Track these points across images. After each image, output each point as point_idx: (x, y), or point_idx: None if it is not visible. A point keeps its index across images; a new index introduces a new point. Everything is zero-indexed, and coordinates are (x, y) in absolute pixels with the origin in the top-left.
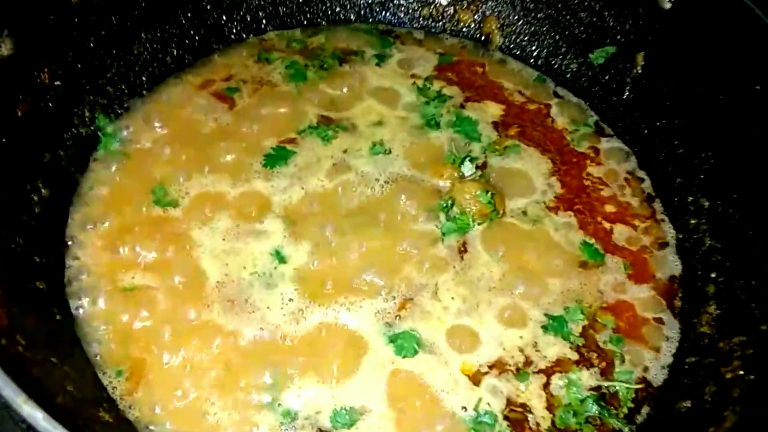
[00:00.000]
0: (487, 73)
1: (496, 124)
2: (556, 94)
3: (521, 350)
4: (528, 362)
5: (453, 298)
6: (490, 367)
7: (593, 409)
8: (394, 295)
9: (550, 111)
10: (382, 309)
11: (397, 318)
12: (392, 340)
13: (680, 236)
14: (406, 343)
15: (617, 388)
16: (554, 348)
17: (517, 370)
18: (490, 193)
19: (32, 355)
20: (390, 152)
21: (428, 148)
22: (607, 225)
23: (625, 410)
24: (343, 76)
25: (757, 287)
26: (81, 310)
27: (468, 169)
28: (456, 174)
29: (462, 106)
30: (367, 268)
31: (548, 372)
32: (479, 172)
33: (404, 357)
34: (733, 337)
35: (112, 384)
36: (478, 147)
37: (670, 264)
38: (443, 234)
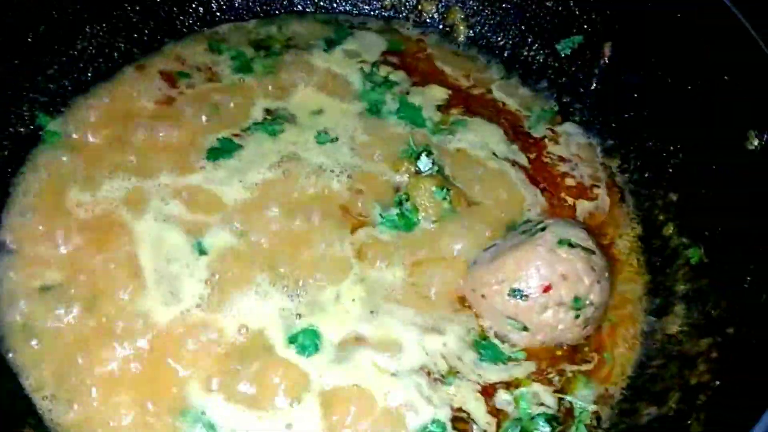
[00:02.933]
0: (432, 59)
1: (439, 107)
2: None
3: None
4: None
5: (353, 300)
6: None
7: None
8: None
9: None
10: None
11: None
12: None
13: (648, 232)
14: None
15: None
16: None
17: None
18: (445, 189)
19: None
20: (337, 140)
21: (380, 138)
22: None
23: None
24: (289, 65)
25: (726, 288)
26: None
27: (424, 164)
28: (412, 168)
29: (407, 93)
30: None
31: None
32: (436, 167)
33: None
34: (699, 340)
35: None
36: (425, 132)
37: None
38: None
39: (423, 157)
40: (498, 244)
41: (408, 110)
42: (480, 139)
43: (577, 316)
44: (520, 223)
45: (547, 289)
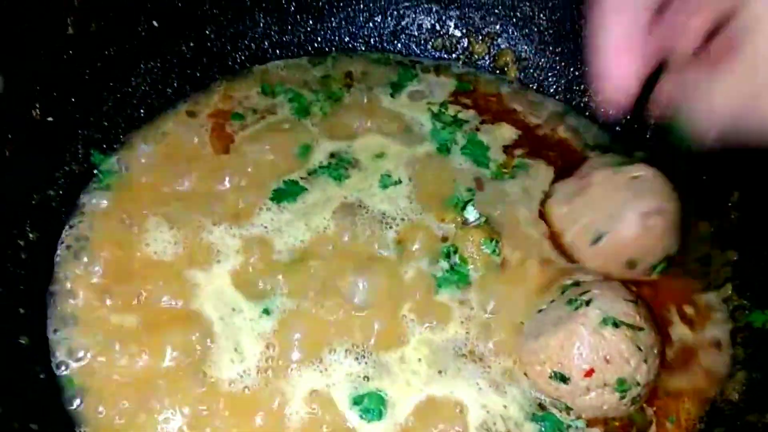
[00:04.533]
0: (503, 99)
1: (506, 148)
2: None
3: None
4: None
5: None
6: None
7: None
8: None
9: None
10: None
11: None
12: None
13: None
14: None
15: None
16: None
17: None
18: (494, 241)
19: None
20: (400, 182)
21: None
22: None
23: None
24: (351, 107)
25: None
26: (65, 367)
27: (471, 214)
28: (459, 219)
29: (477, 129)
30: None
31: None
32: (484, 218)
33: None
34: (765, 412)
35: None
36: (487, 172)
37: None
38: (438, 286)
39: (469, 206)
40: (544, 311)
41: (474, 147)
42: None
43: (622, 398)
44: (567, 285)
45: (589, 373)
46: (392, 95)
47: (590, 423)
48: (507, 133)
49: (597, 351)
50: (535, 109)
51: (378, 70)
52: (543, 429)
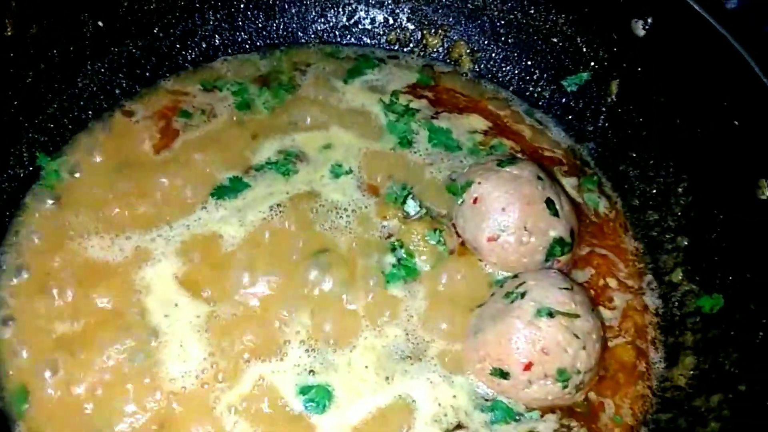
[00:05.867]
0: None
1: (474, 132)
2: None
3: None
4: None
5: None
6: None
7: None
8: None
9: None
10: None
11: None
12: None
13: (657, 279)
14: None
15: None
16: None
17: None
18: (437, 231)
19: None
20: (350, 171)
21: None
22: None
23: None
24: (301, 101)
25: (738, 341)
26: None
27: (412, 208)
28: (400, 214)
29: (433, 118)
30: None
31: None
32: (423, 210)
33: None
34: (711, 396)
35: None
36: (461, 156)
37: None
38: (387, 281)
39: (409, 200)
40: (484, 305)
41: (438, 135)
42: None
43: (565, 386)
44: (505, 278)
45: (528, 366)
46: (345, 82)
47: (543, 411)
48: (476, 122)
49: (534, 344)
50: (501, 102)
51: (330, 62)
52: (494, 418)
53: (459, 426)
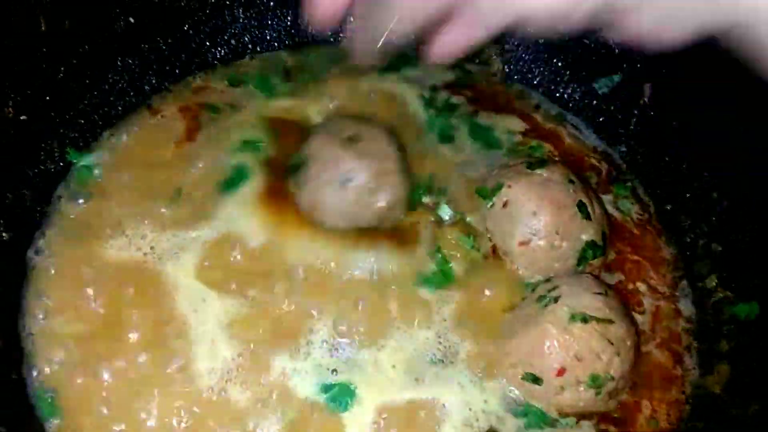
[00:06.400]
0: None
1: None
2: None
3: None
4: None
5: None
6: None
7: None
8: None
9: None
10: None
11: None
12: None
13: (691, 285)
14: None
15: None
16: None
17: None
18: (471, 236)
19: None
20: None
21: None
22: None
23: None
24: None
25: None
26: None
27: (446, 213)
28: (432, 219)
29: (473, 115)
30: None
31: None
32: (458, 216)
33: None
34: (748, 406)
35: None
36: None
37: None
38: (421, 284)
39: (443, 206)
40: (516, 310)
41: (480, 130)
42: None
43: (598, 393)
44: (539, 282)
45: (560, 372)
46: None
47: (577, 417)
48: (513, 123)
49: (567, 350)
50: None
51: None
52: (527, 423)
53: (491, 430)
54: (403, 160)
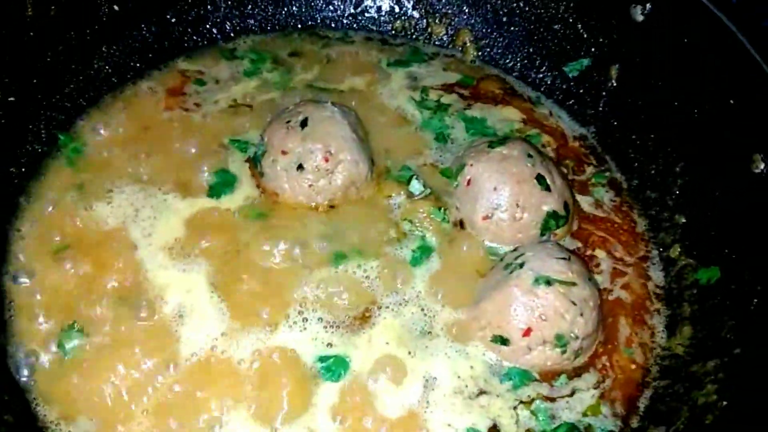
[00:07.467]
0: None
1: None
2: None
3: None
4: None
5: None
6: None
7: None
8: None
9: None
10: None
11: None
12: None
13: (659, 255)
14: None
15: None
16: None
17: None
18: (443, 209)
19: None
20: None
21: None
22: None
23: None
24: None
25: (733, 309)
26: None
27: (416, 188)
28: (402, 193)
29: (465, 109)
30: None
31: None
32: (428, 190)
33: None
34: (707, 361)
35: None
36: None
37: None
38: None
39: (414, 181)
40: (485, 277)
41: (473, 124)
42: None
43: (563, 352)
44: (506, 252)
45: (526, 333)
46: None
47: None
48: (511, 113)
49: (532, 310)
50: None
51: (352, 50)
52: (516, 383)
53: (482, 392)
54: (361, 140)
